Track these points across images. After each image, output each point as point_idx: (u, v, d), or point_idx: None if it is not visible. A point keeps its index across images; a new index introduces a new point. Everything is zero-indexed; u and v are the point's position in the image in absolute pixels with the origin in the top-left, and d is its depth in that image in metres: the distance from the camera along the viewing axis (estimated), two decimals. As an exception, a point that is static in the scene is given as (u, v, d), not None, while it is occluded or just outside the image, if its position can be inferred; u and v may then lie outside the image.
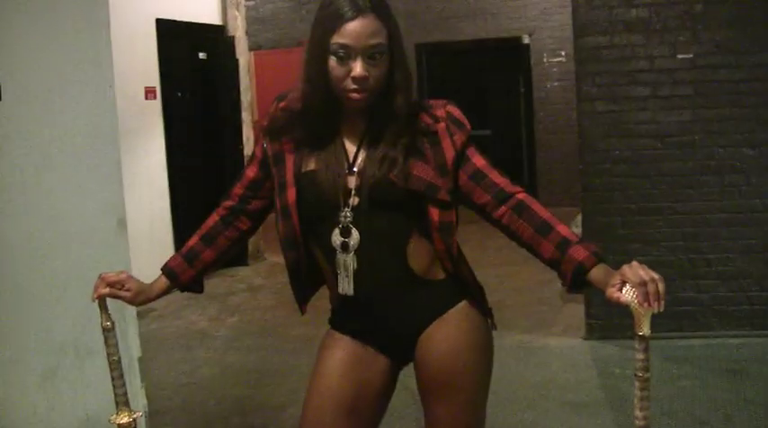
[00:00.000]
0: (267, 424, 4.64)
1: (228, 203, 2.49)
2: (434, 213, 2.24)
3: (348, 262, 2.25)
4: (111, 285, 2.38)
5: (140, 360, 4.28)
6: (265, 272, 8.52)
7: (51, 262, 3.80)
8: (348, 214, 2.24)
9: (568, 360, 5.34)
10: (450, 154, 2.26)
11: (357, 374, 2.35)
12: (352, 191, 2.24)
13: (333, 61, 2.16)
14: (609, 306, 5.56)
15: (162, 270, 2.49)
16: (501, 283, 6.96)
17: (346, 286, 2.27)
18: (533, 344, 5.70)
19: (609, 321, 5.55)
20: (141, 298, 2.43)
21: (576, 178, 5.89)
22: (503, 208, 2.24)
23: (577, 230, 6.52)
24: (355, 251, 2.24)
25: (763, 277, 5.41)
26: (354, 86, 2.16)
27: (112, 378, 2.39)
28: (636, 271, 1.93)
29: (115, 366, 2.41)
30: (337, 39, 2.14)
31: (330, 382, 2.35)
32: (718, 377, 4.86)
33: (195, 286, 2.53)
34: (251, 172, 2.45)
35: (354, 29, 2.14)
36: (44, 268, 3.76)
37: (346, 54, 2.15)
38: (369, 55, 2.15)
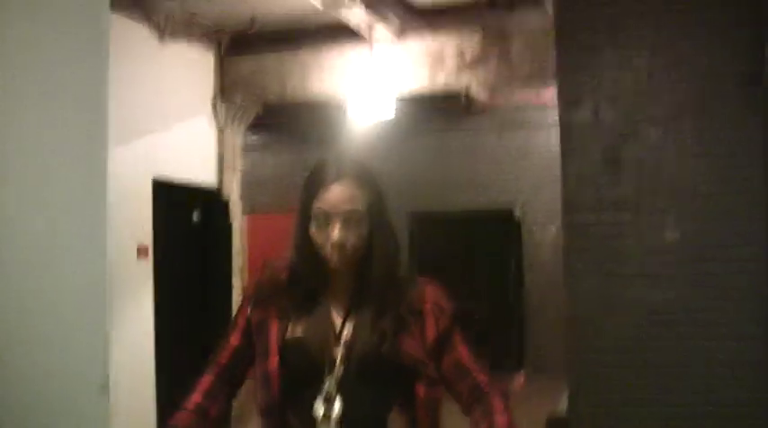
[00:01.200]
0: None
1: (216, 369, 2.46)
2: (420, 390, 2.25)
3: None
4: None
5: None
6: (248, 438, 8.35)
7: (29, 424, 3.73)
8: (332, 383, 2.23)
9: None
10: (431, 334, 2.29)
11: None
12: (337, 361, 2.24)
13: (314, 227, 2.22)
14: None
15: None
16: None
17: None
18: None
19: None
20: None
21: (565, 350, 5.84)
22: (474, 404, 2.28)
23: (564, 406, 6.43)
24: (336, 421, 2.22)
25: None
26: (333, 252, 2.21)
27: None
28: None
29: None
30: (316, 204, 2.22)
31: None
32: None
33: None
34: (234, 340, 2.45)
35: (331, 194, 2.21)
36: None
37: (325, 220, 2.20)
38: (345, 220, 2.20)
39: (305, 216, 2.26)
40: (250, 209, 10.31)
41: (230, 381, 2.47)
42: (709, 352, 5.34)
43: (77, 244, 4.03)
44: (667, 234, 5.48)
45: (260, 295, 2.38)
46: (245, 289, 2.45)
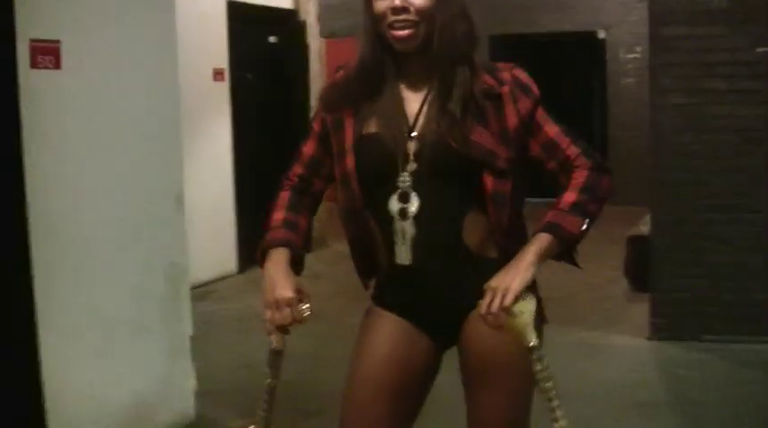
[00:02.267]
0: (321, 410, 4.56)
1: (292, 182, 2.38)
2: (488, 181, 2.14)
3: (406, 228, 2.16)
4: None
5: (192, 338, 4.25)
6: (328, 260, 8.45)
7: (106, 235, 3.77)
8: (407, 179, 2.15)
9: (632, 359, 5.21)
10: (512, 120, 2.16)
11: (400, 354, 2.26)
12: (411, 156, 2.15)
13: (376, 1, 2.12)
14: (676, 306, 5.39)
15: (272, 244, 2.24)
16: (565, 280, 6.76)
17: (403, 254, 2.18)
18: (598, 342, 5.58)
19: (674, 321, 5.39)
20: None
21: (648, 177, 5.70)
22: (562, 174, 2.22)
23: (646, 228, 6.36)
24: (413, 218, 2.15)
25: (841, 280, 5.20)
26: (395, 18, 2.10)
27: (264, 401, 2.19)
28: (500, 276, 2.05)
29: (271, 390, 2.21)
30: None
31: (373, 362, 2.28)
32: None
33: (303, 254, 2.32)
34: (309, 149, 2.36)
35: None
36: (99, 241, 3.73)
37: None
38: None
39: None
40: (328, 32, 10.14)
41: (308, 194, 2.40)
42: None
43: (150, 63, 4.01)
44: (760, 46, 5.25)
45: (333, 94, 2.27)
46: (319, 94, 2.33)
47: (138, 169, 3.92)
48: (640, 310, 5.86)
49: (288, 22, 8.78)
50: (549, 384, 2.01)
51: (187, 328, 4.16)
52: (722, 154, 5.32)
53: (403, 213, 2.15)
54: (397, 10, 2.08)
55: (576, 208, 2.15)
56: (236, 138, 7.99)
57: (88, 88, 3.68)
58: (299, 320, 2.12)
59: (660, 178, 5.46)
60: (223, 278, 7.73)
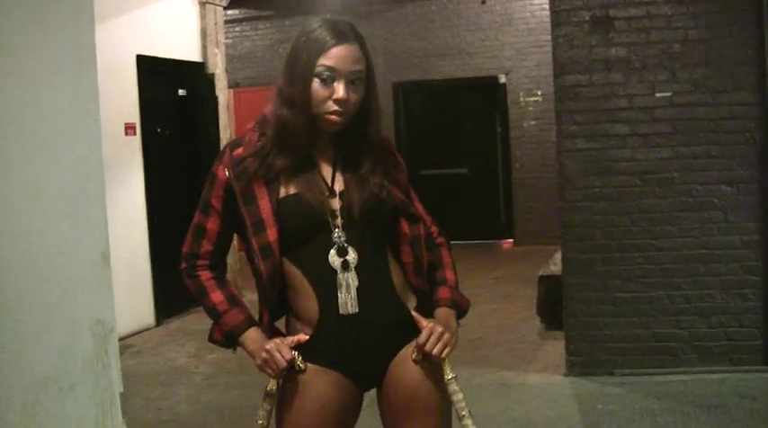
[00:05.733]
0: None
1: (204, 262, 2.50)
2: (405, 226, 2.41)
3: (351, 280, 2.31)
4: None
5: (122, 395, 4.25)
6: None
7: (33, 295, 3.77)
8: (340, 234, 2.32)
9: (549, 396, 5.34)
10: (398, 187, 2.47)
11: (339, 408, 2.38)
12: (337, 213, 2.33)
13: (316, 83, 2.27)
14: (589, 342, 5.55)
15: (241, 328, 2.42)
16: (480, 321, 6.96)
17: (349, 304, 2.32)
18: (514, 381, 5.70)
19: (589, 357, 5.56)
20: None
21: (552, 217, 5.91)
22: (427, 251, 2.51)
23: (555, 268, 6.56)
24: (355, 268, 2.32)
25: (741, 312, 5.44)
26: (335, 108, 2.27)
27: None
28: (437, 323, 2.35)
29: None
30: (324, 61, 2.25)
31: (313, 415, 2.36)
32: (699, 412, 4.87)
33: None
34: (214, 225, 2.46)
35: (340, 53, 2.26)
36: (26, 301, 3.73)
37: (330, 77, 2.26)
38: (350, 80, 2.27)
39: (306, 73, 2.27)
40: (235, 83, 10.23)
41: (221, 266, 2.54)
42: (702, 196, 5.43)
43: (70, 122, 4.03)
44: (658, 91, 5.50)
45: (242, 170, 2.35)
46: (214, 173, 2.40)
47: (62, 228, 3.93)
48: (555, 348, 6.03)
49: (196, 74, 8.85)
50: (465, 412, 2.33)
51: (117, 385, 4.16)
52: (624, 195, 5.54)
53: (345, 265, 2.31)
54: (339, 101, 2.26)
55: (458, 287, 2.53)
56: (149, 192, 8.01)
57: (11, 147, 3.69)
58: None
59: (567, 220, 5.65)
60: (140, 331, 7.69)
